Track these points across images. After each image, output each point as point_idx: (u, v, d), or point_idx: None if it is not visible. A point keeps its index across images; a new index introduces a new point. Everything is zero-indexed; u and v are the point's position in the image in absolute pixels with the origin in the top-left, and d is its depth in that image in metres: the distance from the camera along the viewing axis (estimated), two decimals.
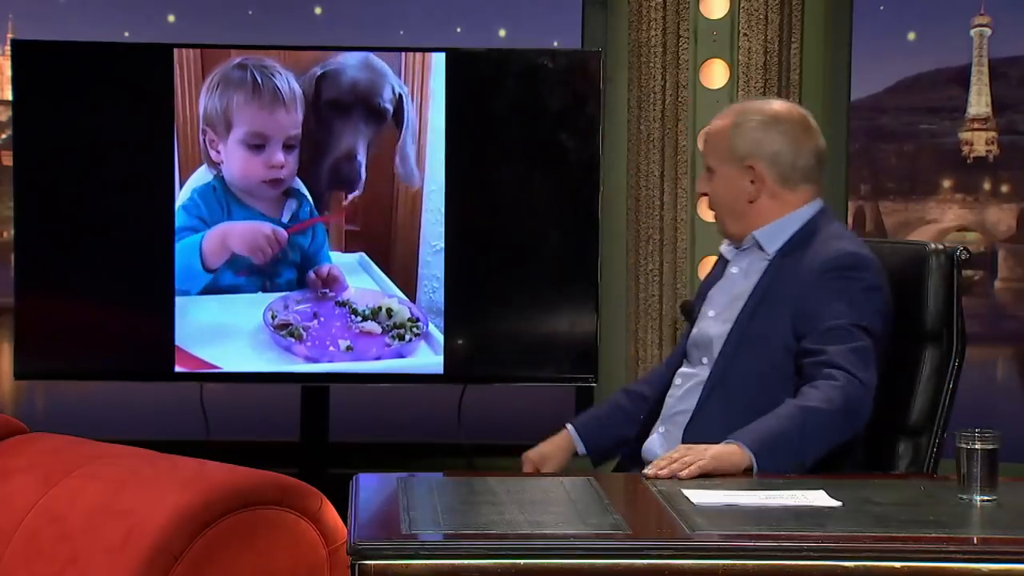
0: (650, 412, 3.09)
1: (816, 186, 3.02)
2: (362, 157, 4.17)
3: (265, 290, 4.18)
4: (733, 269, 3.04)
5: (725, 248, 3.09)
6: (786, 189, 2.99)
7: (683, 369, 3.05)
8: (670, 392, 3.05)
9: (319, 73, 4.14)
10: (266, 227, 4.16)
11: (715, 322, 2.99)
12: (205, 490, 2.35)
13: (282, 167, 4.14)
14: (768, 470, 2.62)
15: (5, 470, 2.61)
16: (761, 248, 2.99)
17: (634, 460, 3.07)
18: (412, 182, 4.17)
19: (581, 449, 3.16)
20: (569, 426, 3.18)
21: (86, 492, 2.47)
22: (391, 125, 4.16)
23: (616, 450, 3.18)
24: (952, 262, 3.00)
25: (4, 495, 2.56)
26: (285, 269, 4.19)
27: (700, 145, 3.07)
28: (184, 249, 4.15)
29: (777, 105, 3.05)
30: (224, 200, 4.15)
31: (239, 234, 4.16)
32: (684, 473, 2.53)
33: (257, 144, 4.13)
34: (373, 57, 4.16)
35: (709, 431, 2.84)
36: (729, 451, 2.61)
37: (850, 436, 2.79)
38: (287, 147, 4.14)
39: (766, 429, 2.69)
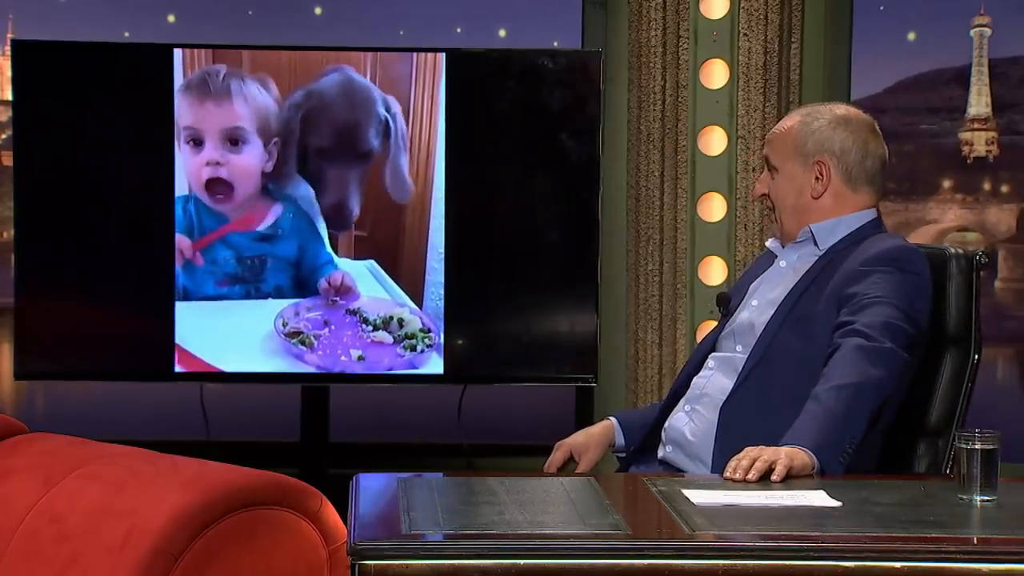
0: (674, 393, 3.11)
1: (877, 193, 3.06)
2: (355, 199, 4.15)
3: (250, 296, 4.18)
4: (781, 263, 3.07)
5: (772, 243, 3.13)
6: (849, 189, 3.02)
7: (716, 353, 3.06)
8: (700, 374, 3.05)
9: (301, 113, 4.12)
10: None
11: (758, 310, 3.01)
12: (205, 490, 2.35)
13: (221, 165, 4.12)
14: (828, 465, 2.62)
15: (5, 470, 2.61)
16: (815, 243, 3.02)
17: (652, 439, 3.08)
18: (403, 195, 4.17)
19: (620, 442, 3.16)
20: (612, 418, 3.19)
21: (86, 492, 2.47)
22: (385, 145, 4.16)
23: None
24: (972, 265, 3.03)
25: (4, 495, 2.56)
26: (271, 275, 4.19)
27: (766, 148, 3.10)
28: None
29: (845, 108, 3.10)
30: (195, 210, 4.14)
31: None
32: (775, 476, 2.52)
33: (194, 140, 4.11)
34: (354, 75, 4.14)
35: (747, 410, 2.88)
36: (795, 451, 2.59)
37: (880, 399, 2.78)
38: (230, 141, 4.12)
39: (809, 423, 2.68)
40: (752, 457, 2.55)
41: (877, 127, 3.08)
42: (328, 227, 4.18)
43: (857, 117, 3.06)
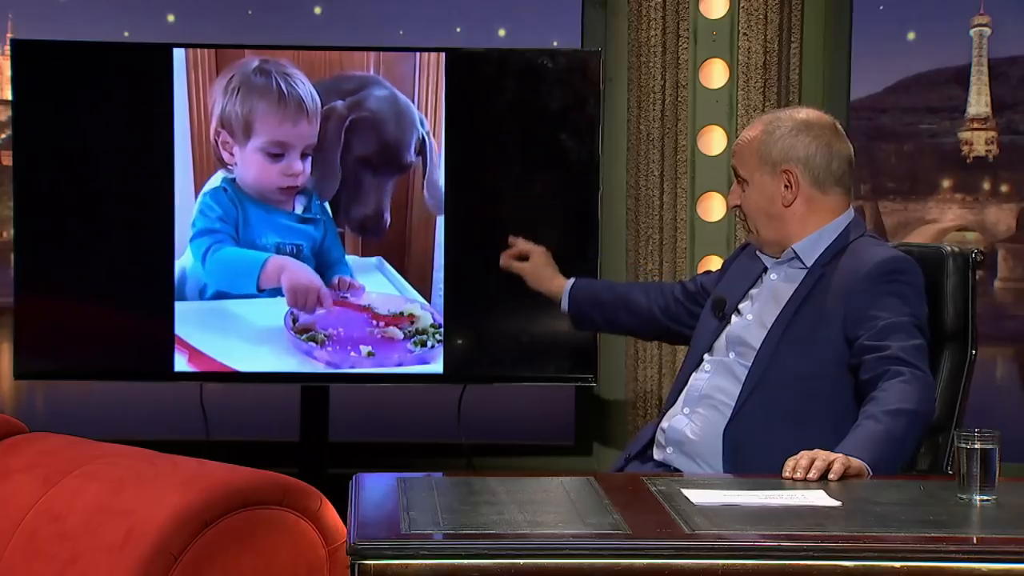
0: (674, 392, 3.12)
1: (848, 193, 3.08)
2: (387, 209, 4.17)
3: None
4: (772, 276, 3.08)
5: (768, 258, 3.12)
6: (820, 193, 3.03)
7: (711, 356, 3.07)
8: (696, 375, 3.06)
9: (347, 122, 4.13)
10: (315, 286, 4.15)
11: (754, 325, 3.02)
12: (205, 490, 2.35)
13: (299, 175, 4.14)
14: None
15: (5, 470, 2.62)
16: (800, 260, 3.03)
17: (648, 442, 3.10)
18: (439, 210, 4.17)
19: (563, 307, 3.43)
20: (569, 284, 3.43)
21: (86, 492, 2.47)
22: (418, 159, 4.17)
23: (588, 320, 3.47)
24: (968, 263, 3.07)
25: (4, 495, 2.56)
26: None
27: (733, 160, 3.12)
28: (243, 261, 4.16)
29: (806, 112, 3.10)
30: (236, 199, 4.14)
31: (292, 278, 4.15)
32: (832, 475, 2.54)
33: (276, 153, 4.13)
34: (398, 93, 4.14)
35: (750, 431, 2.90)
36: (852, 457, 2.62)
37: (927, 429, 2.85)
38: (303, 155, 4.14)
39: (873, 436, 2.70)
40: (810, 458, 2.56)
41: (839, 127, 3.09)
42: (343, 227, 4.19)
43: (819, 120, 3.06)
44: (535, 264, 3.50)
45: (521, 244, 3.52)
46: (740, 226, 4.34)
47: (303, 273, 4.15)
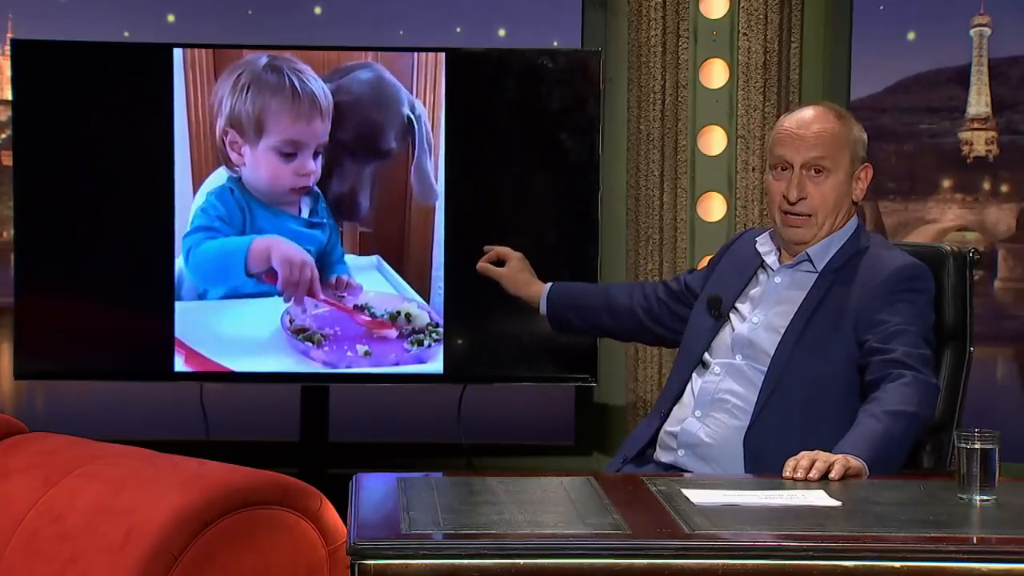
0: (672, 397, 3.11)
1: None
2: (367, 194, 4.15)
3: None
4: (776, 279, 3.06)
5: (765, 247, 3.10)
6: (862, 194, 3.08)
7: (719, 360, 3.05)
8: (704, 377, 3.05)
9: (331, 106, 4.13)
10: (308, 261, 4.13)
11: (762, 329, 3.01)
12: (205, 490, 2.35)
13: (311, 175, 4.12)
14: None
15: (5, 470, 2.62)
16: (811, 263, 3.03)
17: (651, 444, 3.10)
18: (429, 199, 4.17)
19: (542, 310, 3.42)
20: (547, 288, 3.42)
21: (86, 492, 2.47)
22: (406, 145, 4.16)
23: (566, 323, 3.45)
24: (966, 263, 3.10)
25: (4, 495, 2.56)
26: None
27: (803, 149, 2.99)
28: (226, 249, 4.14)
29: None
30: (244, 201, 4.13)
31: (283, 254, 4.13)
32: (833, 475, 2.55)
33: (290, 152, 4.11)
34: (385, 74, 4.14)
35: (770, 436, 2.90)
36: (851, 456, 2.62)
37: (922, 433, 2.87)
38: (315, 154, 4.13)
39: (872, 435, 2.71)
40: (811, 458, 2.56)
41: None
42: (341, 221, 4.18)
43: None
44: (512, 268, 3.47)
45: (498, 249, 3.49)
46: (740, 225, 4.35)
47: (293, 249, 4.14)
